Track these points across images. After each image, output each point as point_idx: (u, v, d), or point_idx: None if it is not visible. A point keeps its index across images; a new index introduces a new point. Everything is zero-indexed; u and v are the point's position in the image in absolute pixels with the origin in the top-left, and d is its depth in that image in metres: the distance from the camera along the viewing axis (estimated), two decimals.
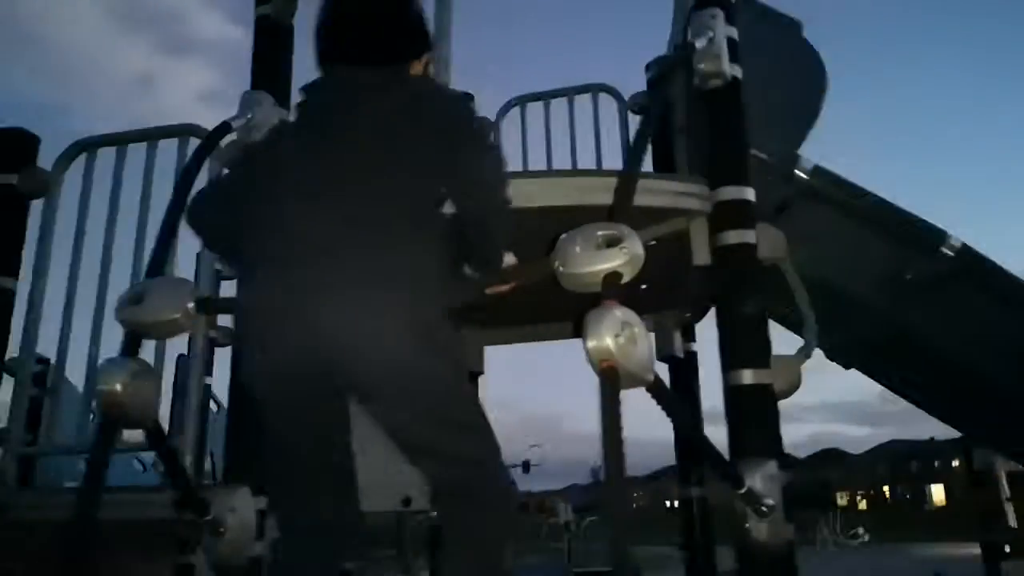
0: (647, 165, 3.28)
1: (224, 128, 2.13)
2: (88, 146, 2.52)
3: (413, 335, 1.21)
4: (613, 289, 1.22)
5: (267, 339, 1.24)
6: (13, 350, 2.42)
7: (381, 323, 1.21)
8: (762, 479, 1.65)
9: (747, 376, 1.80)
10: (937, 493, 46.79)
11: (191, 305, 1.40)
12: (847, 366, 2.63)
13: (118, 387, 1.32)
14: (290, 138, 1.45)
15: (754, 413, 1.78)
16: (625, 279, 1.23)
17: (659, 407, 1.29)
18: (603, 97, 3.54)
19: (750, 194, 1.90)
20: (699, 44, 1.87)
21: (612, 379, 1.13)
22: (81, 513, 1.30)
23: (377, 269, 1.22)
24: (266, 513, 2.03)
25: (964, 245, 2.30)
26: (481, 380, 3.40)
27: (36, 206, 2.57)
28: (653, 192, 1.92)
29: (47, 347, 2.43)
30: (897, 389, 2.82)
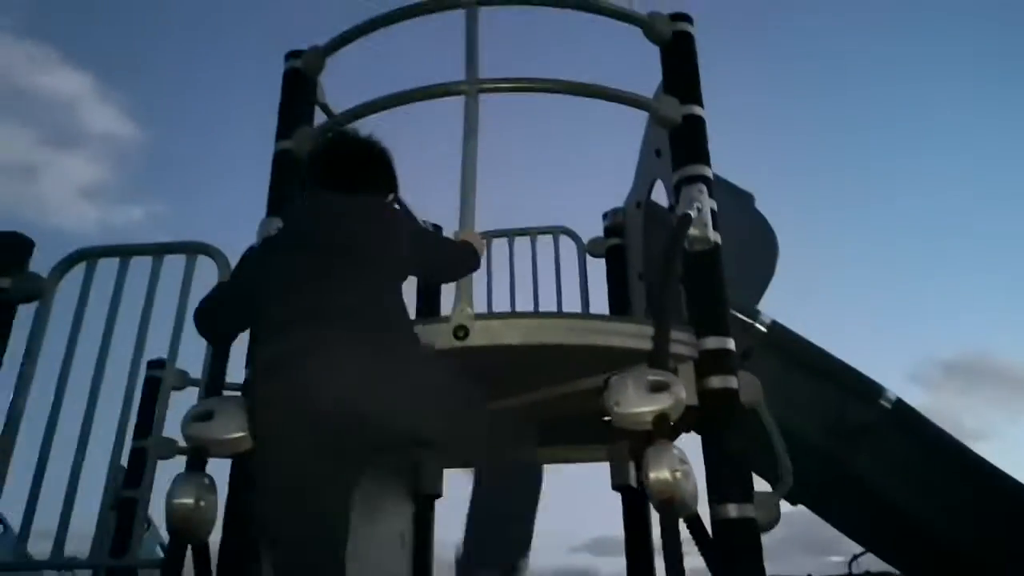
0: (604, 309, 3.62)
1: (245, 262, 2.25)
2: (88, 255, 2.57)
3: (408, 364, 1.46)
4: (662, 428, 1.42)
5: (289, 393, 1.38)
6: None
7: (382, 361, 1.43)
8: None
9: (732, 510, 1.99)
10: None
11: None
12: (794, 503, 2.89)
13: (190, 502, 1.36)
14: (291, 240, 1.70)
15: (740, 545, 1.96)
16: (672, 420, 1.43)
17: (692, 537, 1.47)
18: (563, 239, 3.89)
19: (731, 344, 2.17)
20: (692, 213, 2.19)
21: (671, 509, 1.30)
22: None
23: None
24: None
25: (899, 399, 2.66)
26: (438, 503, 3.46)
27: (23, 310, 2.56)
28: (648, 337, 2.16)
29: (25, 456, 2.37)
30: (838, 526, 3.09)
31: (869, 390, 2.68)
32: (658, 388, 1.43)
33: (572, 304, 3.63)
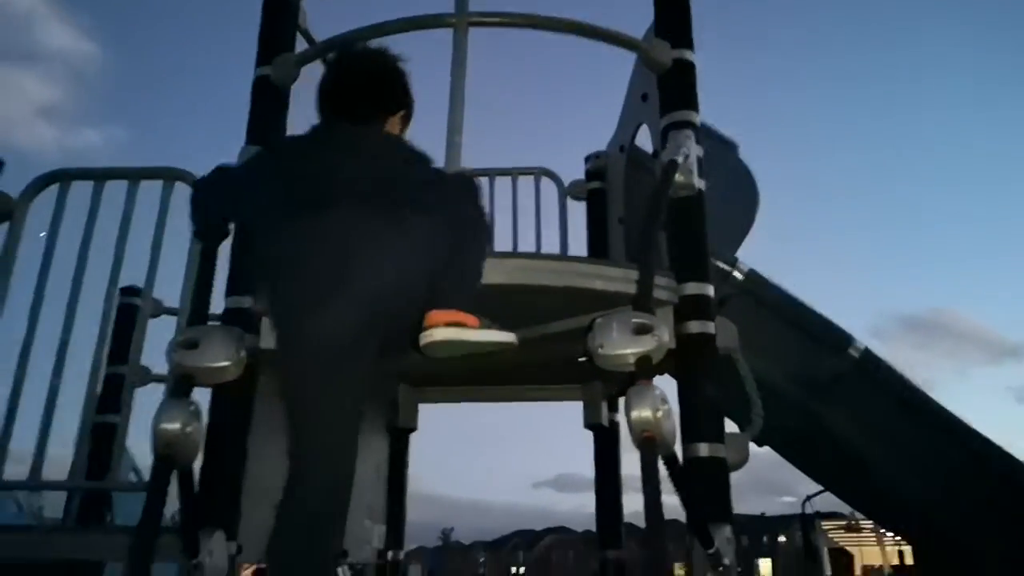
0: (582, 250, 3.63)
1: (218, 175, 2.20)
2: (61, 176, 2.50)
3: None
4: (644, 370, 1.45)
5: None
6: None
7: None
8: (720, 541, 1.91)
9: (703, 449, 2.06)
10: (764, 567, 49.50)
11: (243, 354, 1.49)
12: (760, 444, 2.99)
13: (176, 427, 1.38)
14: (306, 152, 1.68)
15: (710, 482, 2.04)
16: (654, 362, 1.47)
17: (668, 472, 1.52)
18: (544, 180, 3.87)
19: (710, 290, 2.21)
20: (678, 159, 2.20)
21: (652, 447, 1.35)
22: (139, 552, 1.33)
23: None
24: (235, 559, 2.06)
25: (867, 348, 2.75)
26: (412, 437, 3.52)
27: None
28: (631, 281, 2.19)
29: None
30: (801, 467, 3.22)
31: (839, 339, 2.77)
32: (642, 331, 1.46)
33: (551, 246, 3.64)
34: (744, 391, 2.12)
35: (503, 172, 3.83)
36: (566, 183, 3.78)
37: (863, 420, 2.84)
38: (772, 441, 3.01)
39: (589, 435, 3.40)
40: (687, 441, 2.08)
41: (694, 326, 2.16)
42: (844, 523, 17.76)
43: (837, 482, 3.27)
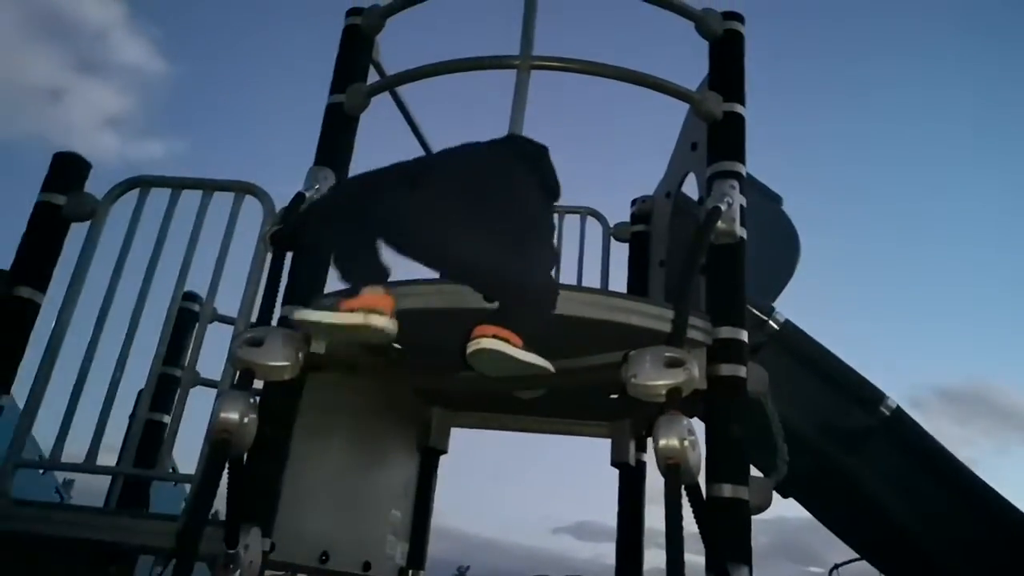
0: (622, 290, 3.71)
1: (299, 198, 2.37)
2: (142, 183, 2.68)
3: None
4: (674, 401, 1.53)
5: None
6: (32, 362, 2.49)
7: None
8: None
9: (727, 490, 2.10)
10: None
11: (301, 355, 1.61)
12: (785, 495, 3.00)
13: (235, 416, 1.49)
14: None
15: (731, 523, 2.08)
16: (683, 394, 1.55)
17: (691, 504, 1.58)
18: (590, 220, 3.98)
19: (744, 335, 2.28)
20: (721, 207, 2.29)
21: (676, 474, 1.41)
22: (189, 535, 1.43)
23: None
24: (268, 555, 2.16)
25: (898, 407, 2.76)
26: (442, 459, 3.60)
27: (76, 230, 2.68)
28: (667, 320, 2.26)
29: (68, 364, 2.51)
30: (823, 521, 3.21)
31: (871, 395, 2.79)
32: (674, 364, 1.54)
33: (592, 284, 3.73)
34: (771, 437, 2.16)
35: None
36: (611, 224, 3.89)
37: (892, 479, 2.84)
38: (797, 492, 3.02)
39: (613, 482, 3.42)
40: (711, 481, 2.12)
41: (726, 369, 2.22)
42: None
43: (864, 543, 3.24)
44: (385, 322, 1.60)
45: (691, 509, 1.61)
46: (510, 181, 1.81)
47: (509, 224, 1.74)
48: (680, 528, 1.38)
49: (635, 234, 3.77)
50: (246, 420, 1.50)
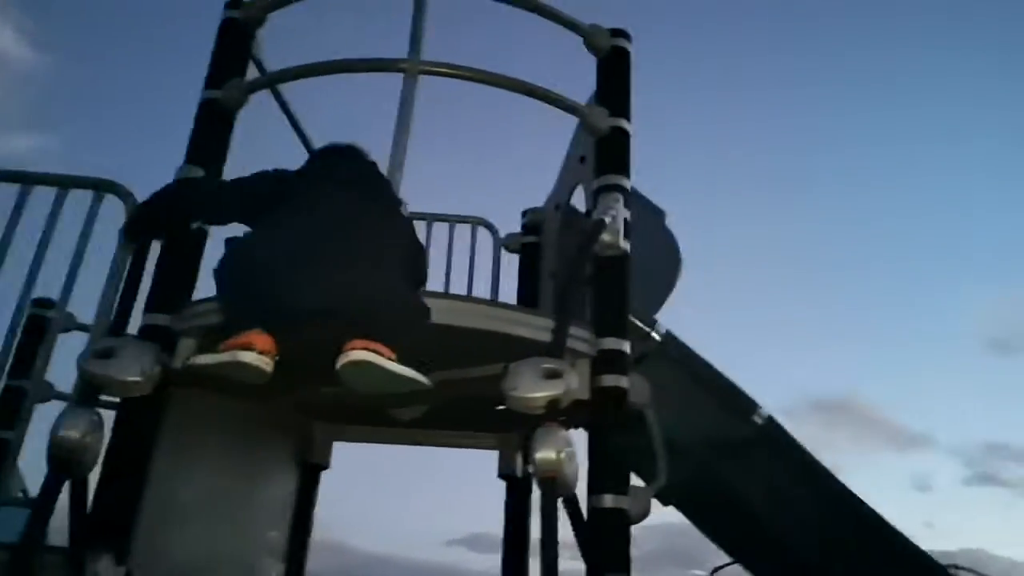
0: (512, 301, 3.70)
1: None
2: None
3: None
4: (553, 413, 1.51)
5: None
6: None
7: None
8: None
9: (608, 500, 2.10)
10: None
11: (157, 369, 1.48)
12: (665, 503, 3.06)
13: (76, 435, 1.35)
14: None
15: (611, 533, 2.09)
16: (562, 405, 1.53)
17: (568, 515, 1.56)
18: (480, 230, 3.96)
19: (627, 346, 2.30)
20: (606, 220, 2.31)
21: (552, 486, 1.39)
22: (18, 568, 1.28)
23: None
24: None
25: (770, 416, 2.88)
26: (324, 475, 3.45)
27: None
28: (549, 330, 2.26)
29: None
30: (706, 532, 3.29)
31: (745, 405, 2.89)
32: (552, 375, 1.53)
33: (482, 295, 3.70)
34: (652, 447, 2.18)
35: (441, 218, 3.91)
36: (502, 234, 3.89)
37: (764, 486, 2.95)
38: (678, 501, 3.09)
39: (502, 492, 3.40)
40: (592, 492, 2.12)
41: (608, 379, 2.23)
42: None
43: (740, 549, 3.35)
44: (253, 358, 1.51)
45: (568, 520, 1.59)
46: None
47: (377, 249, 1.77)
48: (555, 539, 1.36)
49: (525, 245, 3.78)
50: (88, 439, 1.36)
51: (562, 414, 1.51)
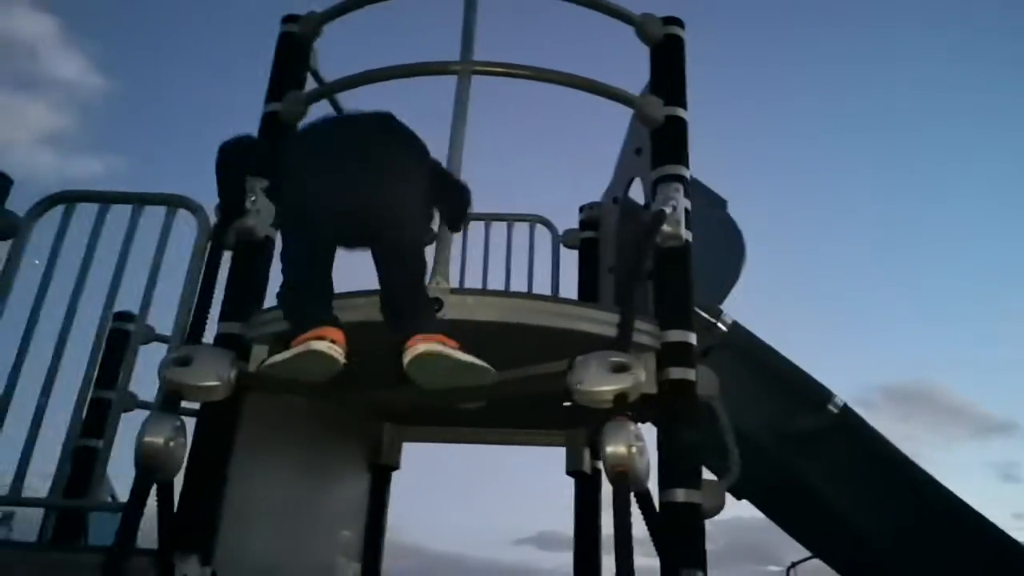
0: (572, 295, 3.69)
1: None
2: (67, 198, 2.56)
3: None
4: (621, 407, 1.50)
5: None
6: None
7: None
8: None
9: (680, 494, 2.08)
10: None
11: (233, 375, 1.53)
12: (739, 497, 3.00)
13: (160, 440, 1.40)
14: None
15: (684, 528, 2.06)
16: (630, 399, 1.51)
17: (640, 510, 1.55)
18: (538, 228, 3.96)
19: (693, 338, 2.26)
20: (666, 211, 2.28)
21: (624, 481, 1.38)
22: (113, 569, 1.34)
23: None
24: None
25: (846, 404, 2.79)
26: (400, 476, 3.51)
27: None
28: (614, 325, 2.24)
29: None
30: (777, 520, 3.22)
31: (819, 395, 2.81)
32: (619, 369, 1.51)
33: (543, 292, 3.69)
34: (722, 440, 2.14)
35: (499, 217, 3.92)
36: (560, 231, 3.87)
37: (841, 477, 2.86)
38: (750, 494, 3.03)
39: (571, 491, 3.39)
40: (664, 486, 2.10)
41: (675, 372, 2.20)
42: None
43: (817, 542, 3.26)
44: (326, 347, 1.56)
45: (641, 515, 1.57)
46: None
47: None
48: (629, 535, 1.35)
49: (584, 240, 3.76)
50: (172, 444, 1.42)
51: (630, 408, 1.50)
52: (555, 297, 3.20)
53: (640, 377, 1.51)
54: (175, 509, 1.67)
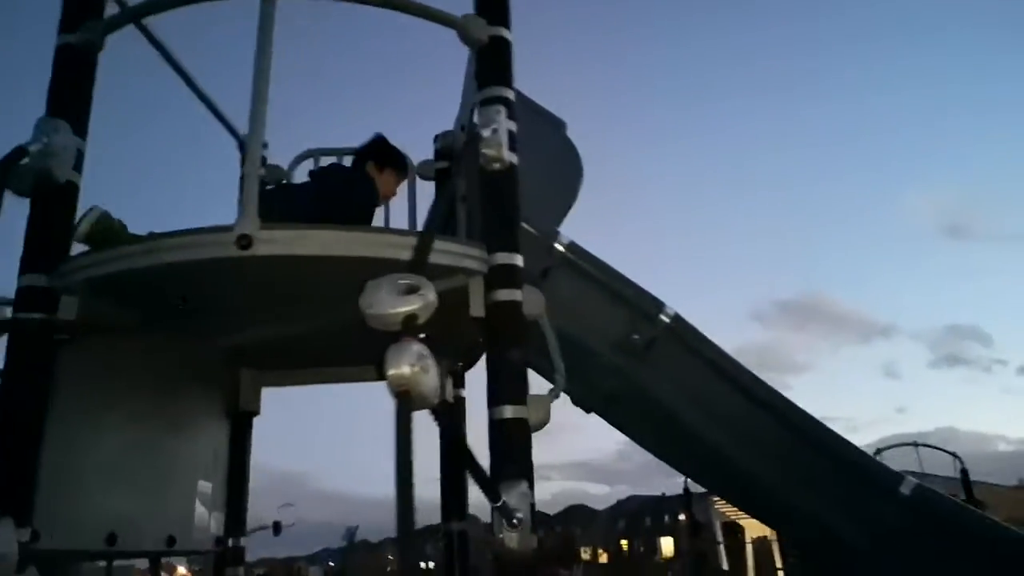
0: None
1: (19, 153, 2.12)
2: None
3: None
4: (411, 328, 1.50)
5: None
6: None
7: None
8: (515, 496, 1.98)
9: (508, 411, 2.13)
10: (666, 545, 51.34)
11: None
12: (588, 411, 3.11)
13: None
14: None
15: (512, 442, 2.12)
16: (420, 321, 1.52)
17: (438, 425, 1.57)
18: None
19: (519, 260, 2.29)
20: (485, 133, 2.26)
21: (405, 401, 1.39)
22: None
23: None
24: (28, 546, 1.98)
25: (676, 314, 2.91)
26: (256, 420, 3.45)
27: None
28: (442, 252, 2.22)
29: None
30: (632, 436, 3.36)
31: (651, 306, 2.91)
32: (410, 291, 1.51)
33: (401, 226, 3.64)
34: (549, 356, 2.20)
35: (350, 152, 3.81)
36: (416, 162, 3.80)
37: (678, 385, 3.00)
38: (596, 407, 3.15)
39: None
40: (493, 405, 2.16)
41: (502, 294, 2.23)
42: None
43: (663, 449, 3.43)
44: None
45: (441, 437, 1.60)
46: None
47: None
48: (409, 454, 1.37)
49: (439, 171, 3.70)
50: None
51: (421, 330, 1.50)
52: (393, 229, 3.16)
53: (430, 298, 1.51)
54: None
